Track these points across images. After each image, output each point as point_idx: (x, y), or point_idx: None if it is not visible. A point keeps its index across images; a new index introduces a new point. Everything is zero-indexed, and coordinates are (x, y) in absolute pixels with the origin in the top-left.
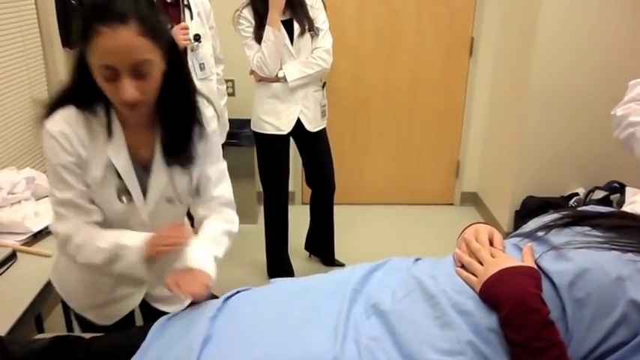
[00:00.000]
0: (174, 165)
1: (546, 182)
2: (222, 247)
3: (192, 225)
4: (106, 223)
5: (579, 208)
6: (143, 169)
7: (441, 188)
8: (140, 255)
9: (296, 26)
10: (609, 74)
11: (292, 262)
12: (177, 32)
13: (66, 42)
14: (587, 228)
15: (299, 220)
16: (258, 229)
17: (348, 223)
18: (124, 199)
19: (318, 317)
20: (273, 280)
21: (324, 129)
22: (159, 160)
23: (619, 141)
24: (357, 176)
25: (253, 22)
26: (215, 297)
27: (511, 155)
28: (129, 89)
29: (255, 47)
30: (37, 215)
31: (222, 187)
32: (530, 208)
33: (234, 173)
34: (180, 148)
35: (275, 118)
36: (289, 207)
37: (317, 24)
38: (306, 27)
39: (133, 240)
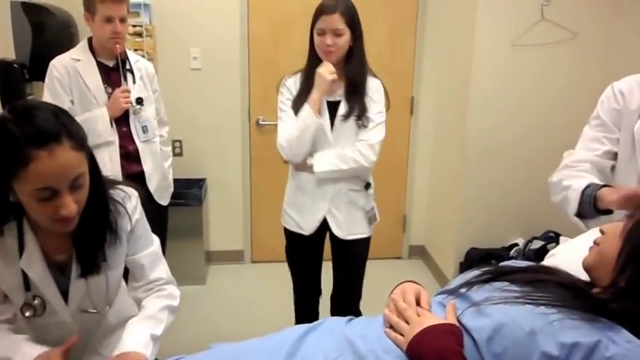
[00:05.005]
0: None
1: (488, 234)
2: (162, 324)
3: None
4: (26, 323)
5: (500, 264)
6: (60, 273)
7: (389, 242)
8: None
9: (342, 109)
10: (542, 127)
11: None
12: (117, 95)
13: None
14: (506, 283)
15: (248, 280)
16: (206, 290)
17: None
18: (26, 313)
19: None
20: (212, 345)
21: (367, 240)
22: (77, 263)
23: (556, 205)
24: None
25: (295, 92)
26: None
27: (454, 209)
28: (70, 205)
29: (287, 123)
30: None
31: (159, 270)
32: (473, 260)
33: (182, 233)
34: (91, 254)
35: (298, 214)
36: (238, 266)
37: (369, 114)
38: (355, 114)
39: None
